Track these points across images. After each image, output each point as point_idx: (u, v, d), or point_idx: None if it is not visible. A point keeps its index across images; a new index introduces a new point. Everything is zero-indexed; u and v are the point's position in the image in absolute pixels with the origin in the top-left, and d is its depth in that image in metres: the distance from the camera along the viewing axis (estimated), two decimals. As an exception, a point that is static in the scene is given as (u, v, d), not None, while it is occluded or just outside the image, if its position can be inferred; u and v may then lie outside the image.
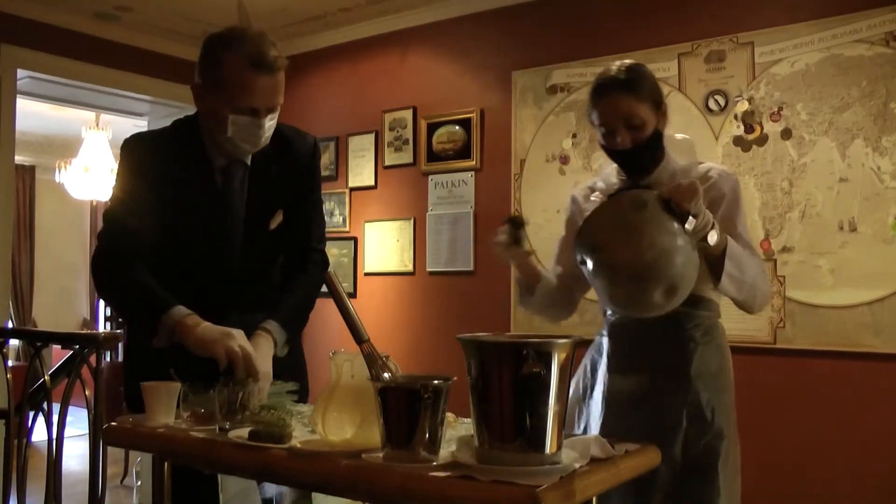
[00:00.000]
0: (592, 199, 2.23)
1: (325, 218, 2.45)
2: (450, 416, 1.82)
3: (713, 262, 1.93)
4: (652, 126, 2.03)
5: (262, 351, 1.98)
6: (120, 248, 2.05)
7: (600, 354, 2.18)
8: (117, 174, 2.14)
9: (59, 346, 5.36)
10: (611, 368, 2.14)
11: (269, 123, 2.03)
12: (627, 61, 2.11)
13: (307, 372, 2.30)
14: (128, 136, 2.15)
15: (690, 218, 1.82)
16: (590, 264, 1.95)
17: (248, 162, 2.12)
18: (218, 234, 2.11)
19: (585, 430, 2.17)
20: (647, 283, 1.87)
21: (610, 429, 2.10)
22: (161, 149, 2.10)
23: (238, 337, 1.92)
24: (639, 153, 2.04)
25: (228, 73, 1.95)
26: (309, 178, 2.25)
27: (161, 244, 2.10)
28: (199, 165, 2.09)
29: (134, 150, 2.10)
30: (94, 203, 9.45)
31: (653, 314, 1.95)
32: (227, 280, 2.12)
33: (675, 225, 1.84)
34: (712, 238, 1.88)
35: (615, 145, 2.04)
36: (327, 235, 2.35)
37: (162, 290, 2.00)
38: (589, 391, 2.20)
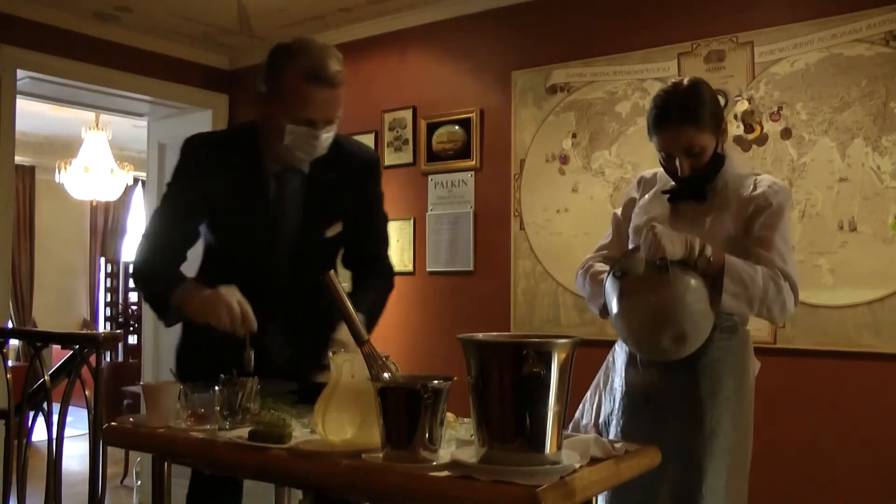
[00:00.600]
0: (646, 197, 2.25)
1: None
2: (450, 416, 1.82)
3: (715, 282, 1.95)
4: (711, 149, 2.06)
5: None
6: (158, 244, 2.15)
7: (621, 347, 2.21)
8: (173, 172, 2.19)
9: (59, 347, 5.37)
10: (627, 363, 2.18)
11: (326, 135, 2.07)
12: (686, 81, 2.09)
13: None
14: (189, 136, 2.22)
15: (670, 264, 1.89)
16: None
17: (306, 170, 2.17)
18: (267, 239, 2.15)
19: (607, 422, 2.19)
20: (654, 331, 1.94)
21: (625, 424, 2.13)
22: (217, 151, 2.17)
23: (232, 293, 1.95)
24: (696, 179, 2.08)
25: (288, 83, 2.00)
26: (371, 191, 2.31)
27: (210, 246, 2.19)
28: (253, 171, 2.14)
29: (192, 151, 2.17)
30: (94, 203, 9.45)
31: (667, 359, 2.02)
32: (276, 285, 2.16)
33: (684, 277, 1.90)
34: (703, 263, 1.92)
35: (675, 169, 2.08)
36: None
37: (179, 273, 2.08)
38: (610, 383, 2.25)
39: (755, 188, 2.07)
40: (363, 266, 2.32)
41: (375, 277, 2.30)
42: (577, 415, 2.30)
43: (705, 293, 1.94)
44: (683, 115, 2.02)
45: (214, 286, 2.00)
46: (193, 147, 2.18)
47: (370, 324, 2.16)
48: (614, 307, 2.00)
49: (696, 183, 2.09)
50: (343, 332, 2.07)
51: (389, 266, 2.37)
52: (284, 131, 2.02)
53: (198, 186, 2.13)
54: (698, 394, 2.03)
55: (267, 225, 2.15)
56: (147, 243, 2.17)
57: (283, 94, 2.01)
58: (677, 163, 2.06)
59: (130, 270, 2.24)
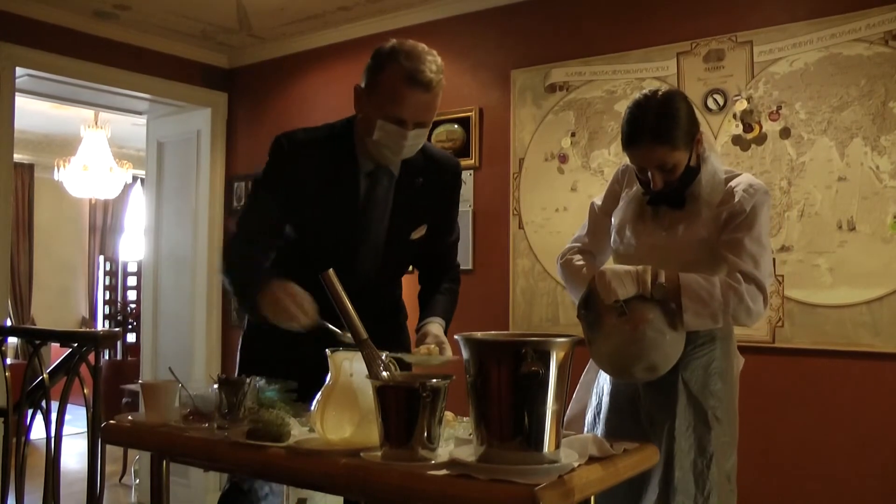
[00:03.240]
0: (628, 194, 2.26)
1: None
2: (449, 414, 1.82)
3: (677, 305, 1.96)
4: (684, 163, 2.06)
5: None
6: (249, 237, 2.22)
7: None
8: (264, 168, 2.26)
9: (58, 345, 5.37)
10: None
11: (416, 137, 2.13)
12: (660, 94, 2.06)
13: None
14: (280, 133, 2.28)
15: (622, 304, 1.92)
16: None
17: (396, 173, 2.24)
18: (355, 235, 2.22)
19: (595, 419, 2.21)
20: (625, 368, 1.99)
21: (610, 423, 2.14)
22: (311, 148, 2.22)
23: (303, 296, 2.01)
24: (669, 192, 2.09)
25: (385, 81, 2.08)
26: (452, 198, 2.41)
27: (298, 241, 2.24)
28: (347, 166, 2.21)
29: (283, 149, 2.23)
30: (93, 201, 9.45)
31: (640, 382, 2.07)
32: (360, 282, 2.20)
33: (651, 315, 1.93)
34: (659, 292, 1.94)
35: (648, 181, 2.08)
36: None
37: (266, 270, 2.14)
38: (597, 380, 2.27)
39: (731, 194, 2.06)
40: (437, 269, 2.43)
41: (449, 281, 2.42)
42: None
43: (667, 321, 1.94)
44: (656, 136, 2.00)
45: (301, 281, 2.05)
46: (291, 143, 2.24)
47: (445, 330, 2.26)
48: (587, 343, 2.03)
49: (669, 195, 2.10)
50: (435, 326, 2.21)
51: (458, 270, 2.48)
52: (375, 126, 2.09)
53: (294, 181, 2.20)
54: (683, 400, 2.05)
55: (357, 221, 2.22)
56: (244, 239, 2.24)
57: (381, 91, 2.09)
58: (650, 178, 2.06)
59: (221, 260, 2.27)
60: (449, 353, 2.09)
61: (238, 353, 2.41)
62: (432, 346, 2.08)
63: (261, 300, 2.03)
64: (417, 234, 2.30)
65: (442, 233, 2.39)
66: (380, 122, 2.09)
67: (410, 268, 2.47)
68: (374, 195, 2.23)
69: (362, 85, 2.16)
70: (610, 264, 2.22)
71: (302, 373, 2.00)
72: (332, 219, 2.21)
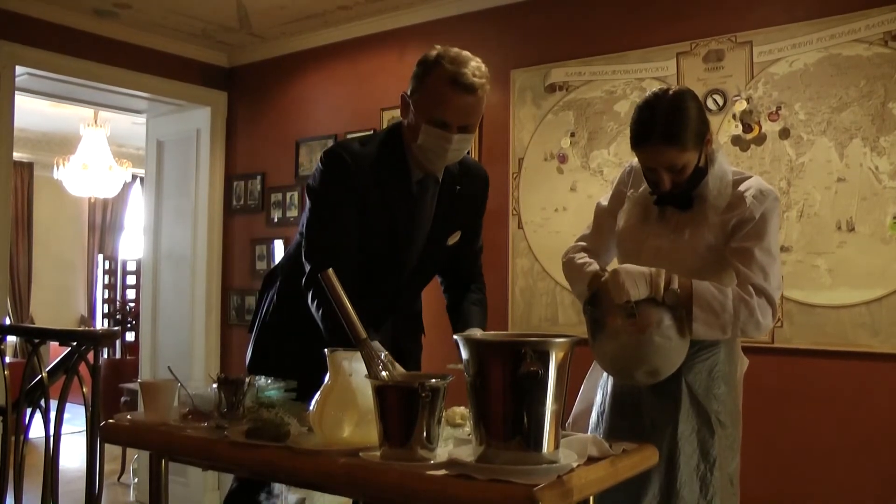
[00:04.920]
0: (634, 194, 2.24)
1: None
2: (460, 410, 1.82)
3: (686, 312, 1.94)
4: (694, 164, 2.02)
5: None
6: (331, 260, 2.07)
7: None
8: (324, 183, 2.23)
9: (57, 343, 5.36)
10: None
11: (460, 142, 2.15)
12: (671, 94, 2.03)
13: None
14: (332, 147, 2.29)
15: (633, 306, 1.90)
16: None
17: (439, 178, 2.28)
18: (404, 242, 2.26)
19: (598, 419, 2.20)
20: (627, 369, 1.98)
21: (612, 425, 2.13)
22: (370, 159, 2.23)
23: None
24: (677, 193, 2.07)
25: (431, 85, 2.12)
26: (481, 206, 2.47)
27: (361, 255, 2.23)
28: (400, 174, 2.24)
29: (345, 162, 2.21)
30: (93, 200, 9.45)
31: (640, 385, 2.06)
32: (396, 287, 2.28)
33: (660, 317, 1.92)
34: (670, 297, 1.92)
35: (656, 181, 2.05)
36: None
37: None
38: (603, 379, 2.26)
39: (741, 199, 2.03)
40: (464, 277, 2.47)
41: (478, 291, 2.46)
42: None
43: (675, 326, 1.92)
44: (666, 137, 1.97)
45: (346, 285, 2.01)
46: (353, 156, 2.22)
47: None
48: (590, 340, 2.02)
49: (677, 196, 2.08)
50: (476, 332, 2.22)
51: (483, 278, 2.53)
52: (420, 130, 2.13)
53: (359, 194, 2.20)
54: (686, 404, 2.04)
55: (408, 229, 2.26)
56: (325, 259, 2.10)
57: (425, 95, 2.13)
58: (658, 179, 2.03)
59: (310, 289, 2.16)
60: None
61: (251, 348, 2.44)
62: None
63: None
64: (453, 239, 2.35)
65: (469, 240, 2.44)
66: (424, 126, 2.12)
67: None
68: (423, 201, 2.27)
69: (408, 92, 2.19)
70: (615, 265, 2.20)
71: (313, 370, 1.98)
72: (390, 229, 2.24)
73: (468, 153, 2.41)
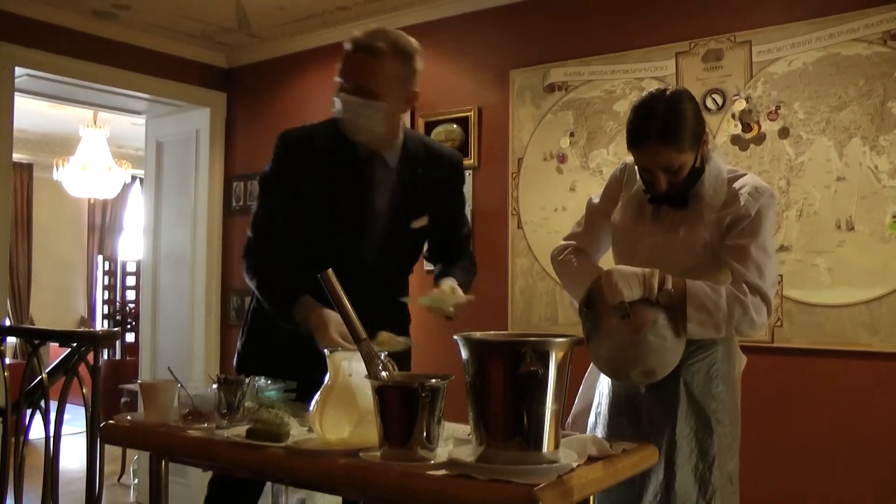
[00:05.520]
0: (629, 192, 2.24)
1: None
2: (385, 335, 1.95)
3: (680, 311, 1.94)
4: (690, 165, 2.02)
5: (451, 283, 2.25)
6: (268, 240, 2.32)
7: None
8: (270, 167, 2.34)
9: (57, 344, 5.36)
10: None
11: (364, 107, 2.18)
12: (668, 94, 2.03)
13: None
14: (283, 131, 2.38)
15: (627, 306, 1.90)
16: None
17: (391, 162, 2.31)
18: (356, 223, 2.29)
19: (596, 421, 2.20)
20: (622, 369, 1.98)
21: (610, 424, 2.13)
22: (312, 139, 2.32)
23: (336, 318, 2.02)
24: (673, 194, 2.06)
25: (343, 55, 2.23)
26: (456, 190, 2.50)
27: (304, 234, 2.30)
28: (346, 153, 2.28)
29: (286, 144, 2.32)
30: (92, 201, 9.44)
31: (636, 385, 2.07)
32: (361, 271, 2.27)
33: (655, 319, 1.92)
34: (664, 297, 1.91)
35: (652, 182, 2.05)
36: None
37: (296, 278, 2.19)
38: (601, 383, 2.26)
39: (735, 197, 2.03)
40: (451, 257, 2.49)
41: (464, 261, 2.48)
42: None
43: (670, 326, 1.92)
44: (663, 138, 1.96)
45: (304, 271, 2.10)
46: (293, 138, 2.33)
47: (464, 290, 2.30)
48: (586, 341, 2.01)
49: (672, 196, 2.07)
50: (448, 279, 2.28)
51: (474, 258, 2.56)
52: (335, 102, 2.21)
53: (300, 174, 2.28)
54: (684, 404, 2.04)
55: (360, 206, 2.28)
56: (263, 239, 2.34)
57: (340, 65, 2.22)
58: (654, 179, 2.03)
59: (244, 264, 2.33)
60: (461, 294, 2.18)
61: (241, 345, 2.46)
62: (445, 287, 2.17)
63: (302, 323, 2.11)
64: (418, 223, 2.35)
65: (448, 227, 2.45)
66: (339, 95, 2.20)
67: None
68: (371, 180, 2.29)
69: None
70: (610, 264, 2.20)
71: (305, 371, 2.00)
72: (336, 206, 2.27)
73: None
